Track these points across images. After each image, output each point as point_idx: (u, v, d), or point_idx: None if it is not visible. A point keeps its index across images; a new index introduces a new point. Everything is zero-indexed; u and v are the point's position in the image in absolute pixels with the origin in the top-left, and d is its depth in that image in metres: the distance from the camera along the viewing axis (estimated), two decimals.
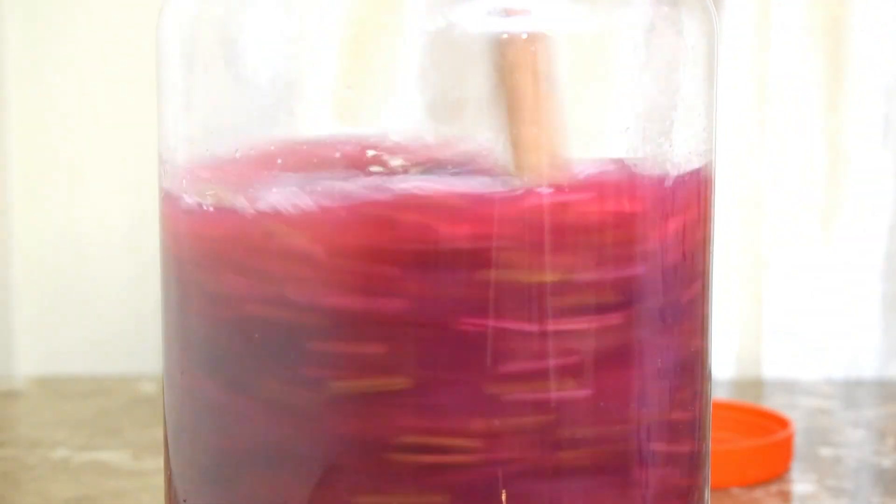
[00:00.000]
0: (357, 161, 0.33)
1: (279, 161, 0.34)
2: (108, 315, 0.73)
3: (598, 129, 0.34)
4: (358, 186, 0.33)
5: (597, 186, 0.33)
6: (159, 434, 0.38)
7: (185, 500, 0.36)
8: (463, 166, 0.33)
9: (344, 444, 0.33)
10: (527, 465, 0.33)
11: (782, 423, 0.57)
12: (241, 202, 0.34)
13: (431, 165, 0.33)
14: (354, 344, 0.33)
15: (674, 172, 0.35)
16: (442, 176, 0.33)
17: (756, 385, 0.69)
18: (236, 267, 0.34)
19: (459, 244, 0.32)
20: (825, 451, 0.58)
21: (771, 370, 0.71)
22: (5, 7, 0.72)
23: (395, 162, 0.33)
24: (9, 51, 0.72)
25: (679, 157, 0.35)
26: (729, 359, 0.71)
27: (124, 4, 0.72)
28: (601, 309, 0.33)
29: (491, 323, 0.32)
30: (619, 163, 0.34)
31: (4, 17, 0.72)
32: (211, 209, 0.34)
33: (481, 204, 0.32)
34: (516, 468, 0.33)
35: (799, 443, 0.58)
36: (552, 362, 0.33)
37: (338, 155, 0.33)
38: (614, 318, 0.34)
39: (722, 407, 0.59)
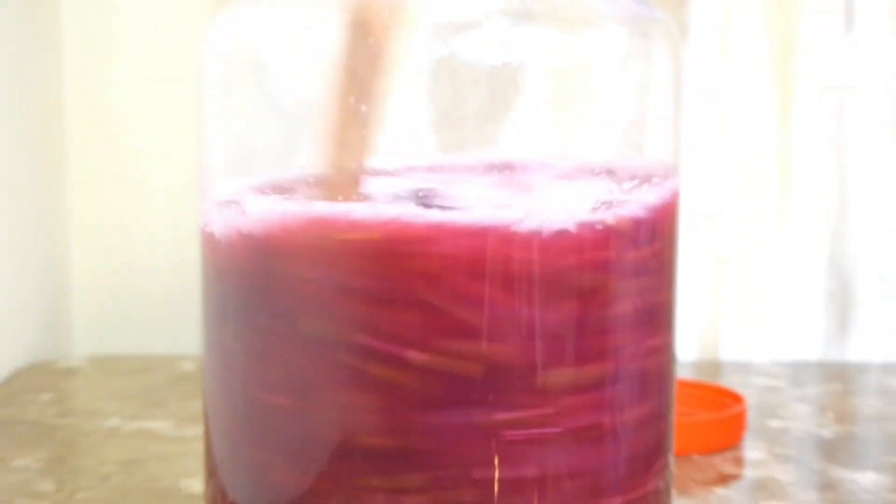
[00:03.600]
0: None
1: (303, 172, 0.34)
2: (154, 303, 0.74)
3: (580, 145, 0.34)
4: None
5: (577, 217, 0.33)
6: (199, 406, 0.38)
7: (221, 462, 0.36)
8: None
9: (360, 414, 0.33)
10: (520, 425, 0.33)
11: (737, 399, 0.57)
12: (269, 207, 0.34)
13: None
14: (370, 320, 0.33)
15: (643, 182, 0.35)
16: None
17: (714, 366, 0.69)
18: (264, 261, 0.34)
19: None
20: (774, 424, 0.58)
21: (727, 353, 0.71)
22: (65, 32, 0.72)
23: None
24: (68, 72, 0.73)
25: (648, 167, 0.35)
26: (692, 344, 0.71)
27: (174, 33, 0.72)
28: (582, 305, 0.33)
29: (486, 321, 0.33)
30: (598, 174, 0.34)
31: (63, 41, 0.72)
32: (243, 214, 0.34)
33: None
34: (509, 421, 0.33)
35: (751, 416, 0.58)
36: (539, 346, 0.33)
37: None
38: (593, 312, 0.34)
39: (685, 385, 0.59)
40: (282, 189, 0.34)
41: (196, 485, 0.49)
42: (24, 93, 0.68)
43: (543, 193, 0.33)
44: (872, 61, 0.68)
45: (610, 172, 0.34)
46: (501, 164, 0.33)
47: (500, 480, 0.33)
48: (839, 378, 0.67)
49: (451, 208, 0.32)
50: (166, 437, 0.56)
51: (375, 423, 0.33)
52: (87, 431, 0.57)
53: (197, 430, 0.56)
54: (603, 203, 0.34)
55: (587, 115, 0.35)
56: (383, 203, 0.32)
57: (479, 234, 0.32)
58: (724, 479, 0.51)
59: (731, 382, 0.64)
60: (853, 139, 0.69)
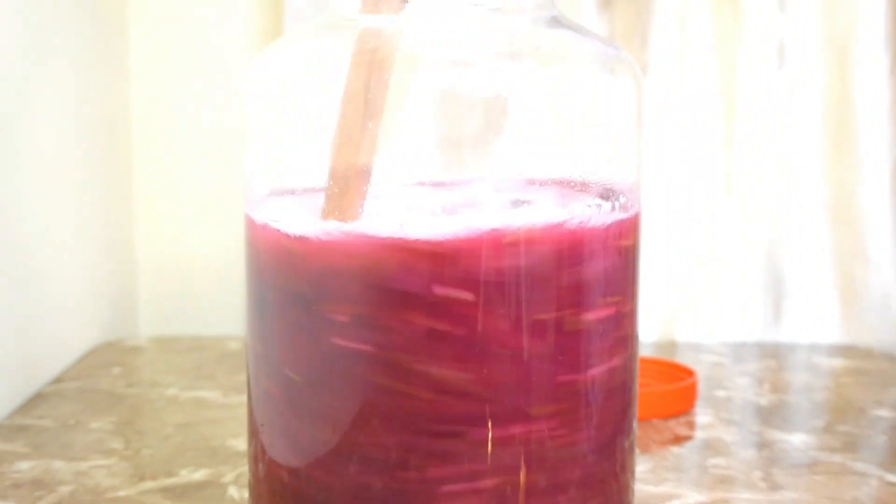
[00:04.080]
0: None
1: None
2: (206, 293, 0.74)
3: (564, 159, 0.34)
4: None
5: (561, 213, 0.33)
6: (243, 378, 0.38)
7: (262, 424, 0.36)
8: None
9: (374, 385, 0.33)
10: (509, 389, 0.33)
11: (689, 373, 0.57)
12: (298, 217, 0.34)
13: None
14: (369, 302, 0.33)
15: (613, 192, 0.35)
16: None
17: (671, 346, 0.69)
18: (288, 264, 0.34)
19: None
20: (720, 393, 0.58)
21: (682, 335, 0.71)
22: (132, 76, 0.72)
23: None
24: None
25: (616, 181, 0.35)
26: (652, 327, 0.71)
27: (225, 59, 0.72)
28: (561, 293, 0.34)
29: (481, 307, 0.33)
30: (576, 188, 0.34)
31: (131, 85, 0.72)
32: (275, 220, 0.34)
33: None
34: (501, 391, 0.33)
35: (701, 387, 0.58)
36: (525, 322, 0.33)
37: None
38: (572, 303, 0.34)
39: (646, 361, 0.59)
40: (303, 195, 0.34)
41: (240, 444, 0.49)
42: (96, 103, 0.68)
43: (528, 202, 0.33)
44: (800, 92, 0.68)
45: (585, 183, 0.34)
46: (494, 179, 0.33)
47: (492, 435, 0.33)
48: (774, 356, 0.67)
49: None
50: (216, 404, 0.56)
51: (385, 392, 0.33)
52: (151, 399, 0.57)
53: (241, 399, 0.56)
54: (579, 209, 0.34)
55: (566, 136, 0.35)
56: (383, 219, 0.32)
57: (473, 241, 0.32)
58: (679, 440, 0.51)
59: (684, 359, 0.64)
60: (786, 157, 0.69)
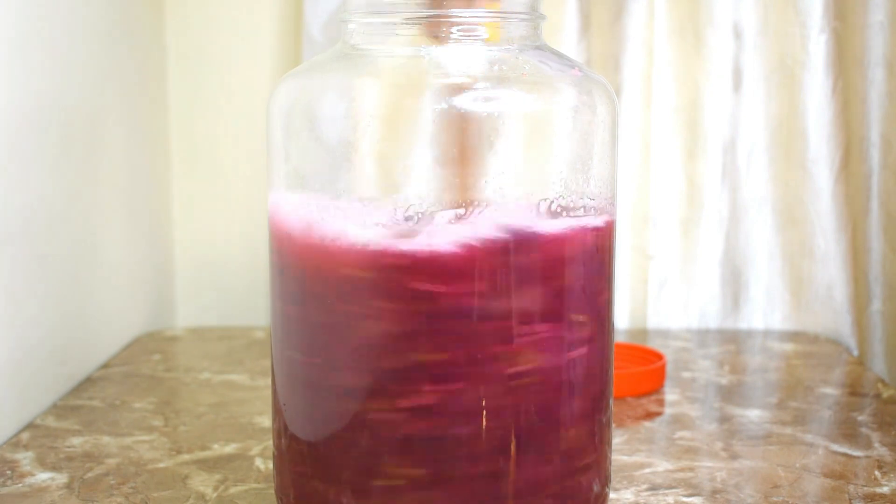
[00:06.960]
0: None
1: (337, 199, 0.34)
2: (235, 288, 0.74)
3: (544, 172, 0.34)
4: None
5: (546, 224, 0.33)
6: (268, 364, 0.38)
7: (284, 404, 0.36)
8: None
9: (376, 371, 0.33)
10: (503, 375, 0.33)
11: (659, 356, 0.57)
12: (313, 223, 0.34)
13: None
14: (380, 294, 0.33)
15: (589, 201, 0.35)
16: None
17: (642, 332, 0.69)
18: (305, 261, 0.34)
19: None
20: (686, 374, 0.58)
21: (652, 322, 0.71)
22: (171, 98, 0.72)
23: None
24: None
25: (593, 190, 0.35)
26: (625, 315, 0.71)
27: (253, 81, 0.72)
28: (546, 284, 0.33)
29: (476, 301, 0.33)
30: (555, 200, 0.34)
31: (170, 106, 0.72)
32: (295, 226, 0.34)
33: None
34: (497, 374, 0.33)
35: (670, 369, 0.58)
36: (515, 314, 0.33)
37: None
38: (553, 294, 0.34)
39: (620, 346, 0.59)
40: (325, 207, 0.34)
41: (266, 421, 0.49)
42: (141, 122, 0.68)
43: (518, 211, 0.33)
44: (753, 110, 0.68)
45: (565, 196, 0.34)
46: (487, 188, 0.33)
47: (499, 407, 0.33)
48: (733, 341, 0.67)
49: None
50: (244, 386, 0.56)
51: (387, 375, 0.33)
52: (186, 382, 0.57)
53: (266, 382, 0.56)
54: (562, 218, 0.34)
55: (549, 151, 0.35)
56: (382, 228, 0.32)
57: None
58: (650, 416, 0.51)
59: (654, 344, 0.64)
60: (741, 166, 0.69)
